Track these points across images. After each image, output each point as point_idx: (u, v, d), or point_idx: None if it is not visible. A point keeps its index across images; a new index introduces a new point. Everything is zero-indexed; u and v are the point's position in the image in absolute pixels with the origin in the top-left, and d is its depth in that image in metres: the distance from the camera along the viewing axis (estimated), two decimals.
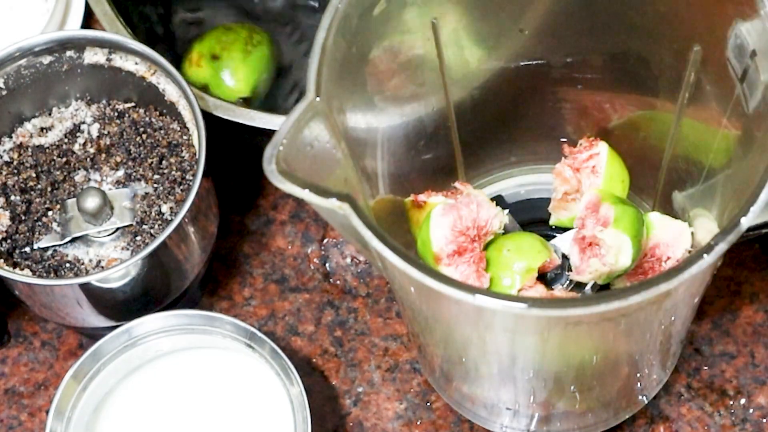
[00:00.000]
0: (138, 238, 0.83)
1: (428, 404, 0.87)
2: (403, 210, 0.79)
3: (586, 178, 0.80)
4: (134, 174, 0.86)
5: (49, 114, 0.87)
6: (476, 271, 0.75)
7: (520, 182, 0.87)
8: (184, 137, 0.85)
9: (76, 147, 0.87)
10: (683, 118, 0.75)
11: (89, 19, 0.94)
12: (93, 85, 0.86)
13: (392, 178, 0.77)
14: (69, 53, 0.85)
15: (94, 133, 0.87)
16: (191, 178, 0.84)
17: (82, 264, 0.84)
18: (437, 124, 0.79)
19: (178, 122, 0.85)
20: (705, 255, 0.60)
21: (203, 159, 0.81)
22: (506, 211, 0.80)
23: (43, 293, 0.81)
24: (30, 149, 0.86)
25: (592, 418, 0.80)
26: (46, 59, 0.85)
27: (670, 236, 0.78)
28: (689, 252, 0.78)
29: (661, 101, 0.77)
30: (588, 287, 0.79)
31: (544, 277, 0.80)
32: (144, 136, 0.86)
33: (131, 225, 0.84)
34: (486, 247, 0.78)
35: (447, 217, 0.75)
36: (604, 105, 0.81)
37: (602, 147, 0.80)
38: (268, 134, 0.82)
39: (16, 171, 0.85)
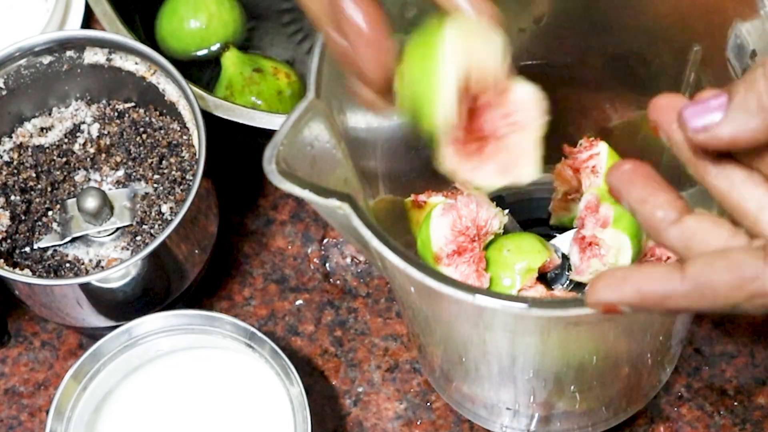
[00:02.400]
0: (138, 238, 0.83)
1: (428, 404, 0.87)
2: (403, 210, 0.79)
3: (586, 178, 0.80)
4: (134, 174, 0.86)
5: (49, 114, 0.87)
6: (476, 271, 0.75)
7: None
8: (184, 137, 0.85)
9: (76, 147, 0.87)
10: None
11: (89, 19, 0.94)
12: (93, 85, 0.86)
13: (392, 178, 0.77)
14: (69, 53, 0.85)
15: (94, 133, 0.87)
16: (191, 178, 0.84)
17: (82, 264, 0.84)
18: None
19: (178, 122, 0.85)
20: None
21: (203, 159, 0.81)
22: (506, 211, 0.80)
23: (43, 293, 0.81)
24: (30, 149, 0.86)
25: (592, 418, 0.80)
26: (46, 59, 0.85)
27: None
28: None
29: None
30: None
31: (544, 277, 0.80)
32: (144, 136, 0.86)
33: (131, 225, 0.84)
34: (486, 247, 0.78)
35: (446, 217, 0.75)
36: (604, 105, 0.81)
37: (602, 147, 0.80)
38: (268, 134, 0.82)
39: (16, 171, 0.85)
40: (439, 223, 0.75)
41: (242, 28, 0.97)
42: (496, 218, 0.77)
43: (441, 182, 0.81)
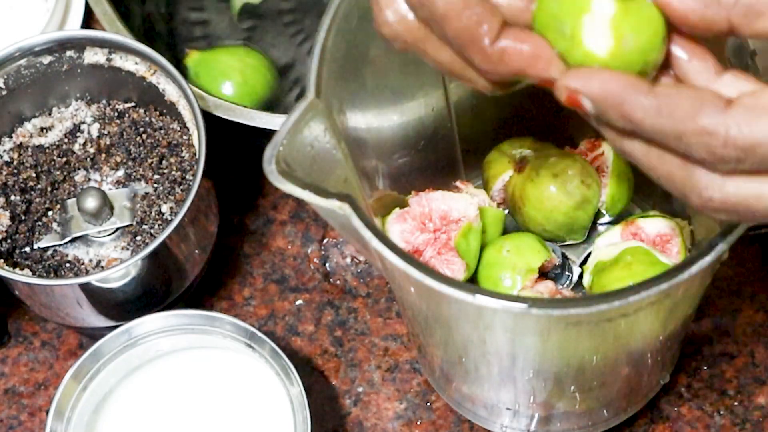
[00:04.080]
0: (138, 238, 0.83)
1: (428, 404, 0.87)
2: (403, 207, 0.79)
3: None
4: (134, 174, 0.86)
5: (49, 114, 0.87)
6: (445, 260, 0.75)
7: None
8: (184, 137, 0.85)
9: (76, 147, 0.87)
10: None
11: (89, 19, 0.94)
12: (93, 85, 0.86)
13: (392, 178, 0.77)
14: (69, 53, 0.85)
15: (94, 133, 0.87)
16: (191, 178, 0.84)
17: (82, 264, 0.84)
18: (437, 124, 0.79)
19: (178, 122, 0.85)
20: (705, 255, 0.60)
21: (203, 159, 0.81)
22: (506, 211, 0.80)
23: (43, 293, 0.81)
24: (30, 149, 0.86)
25: (592, 418, 0.80)
26: (46, 59, 0.85)
27: None
28: (689, 252, 0.78)
29: None
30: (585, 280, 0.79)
31: (545, 277, 0.80)
32: (144, 136, 0.86)
33: (131, 225, 0.84)
34: (485, 247, 0.78)
35: (397, 225, 0.76)
36: None
37: (606, 147, 0.80)
38: (268, 134, 0.82)
39: (16, 171, 0.85)
40: (393, 230, 0.76)
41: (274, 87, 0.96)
42: (471, 206, 0.77)
43: (441, 182, 0.81)
